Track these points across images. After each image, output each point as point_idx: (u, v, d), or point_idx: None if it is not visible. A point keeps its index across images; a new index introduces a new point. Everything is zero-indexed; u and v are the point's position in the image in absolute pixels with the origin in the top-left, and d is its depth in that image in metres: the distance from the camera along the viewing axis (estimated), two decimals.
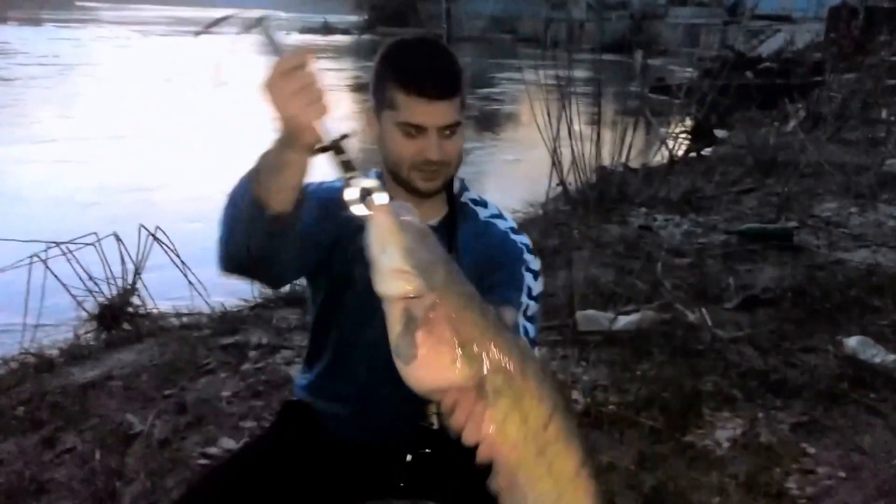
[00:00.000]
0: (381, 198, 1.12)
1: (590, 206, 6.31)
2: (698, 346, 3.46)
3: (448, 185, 1.71)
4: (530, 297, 1.73)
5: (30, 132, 11.58)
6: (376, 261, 1.09)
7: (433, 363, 1.08)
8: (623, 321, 3.66)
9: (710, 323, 3.61)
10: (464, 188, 1.78)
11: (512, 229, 1.79)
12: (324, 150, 1.18)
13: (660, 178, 6.92)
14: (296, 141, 1.19)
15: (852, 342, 3.40)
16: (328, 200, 1.57)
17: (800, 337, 3.59)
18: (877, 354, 3.29)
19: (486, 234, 1.75)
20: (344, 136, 1.18)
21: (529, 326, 1.71)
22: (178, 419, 3.01)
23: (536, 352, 1.75)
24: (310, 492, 1.74)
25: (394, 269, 1.08)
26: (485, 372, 1.07)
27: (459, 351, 1.07)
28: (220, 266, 1.45)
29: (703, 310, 3.71)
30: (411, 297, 1.08)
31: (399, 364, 1.10)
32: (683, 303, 3.87)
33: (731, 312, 3.91)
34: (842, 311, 3.87)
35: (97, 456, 2.75)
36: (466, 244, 1.70)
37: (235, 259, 1.43)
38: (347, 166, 1.17)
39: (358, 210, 1.13)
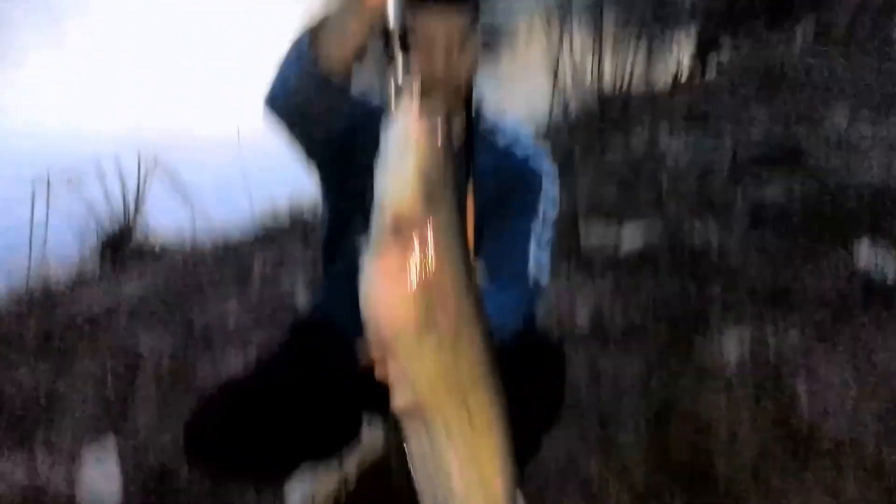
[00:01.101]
0: (414, 99, 1.10)
1: (592, 127, 6.23)
2: (705, 262, 3.44)
3: (467, 106, 1.69)
4: (545, 222, 1.74)
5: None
6: (387, 161, 1.07)
7: (398, 286, 1.08)
8: (628, 240, 3.64)
9: (716, 239, 3.59)
10: (481, 111, 1.77)
11: (530, 156, 1.77)
12: (382, 32, 1.20)
13: (664, 95, 6.81)
14: (362, 9, 1.23)
15: (862, 252, 3.38)
16: (372, 114, 1.56)
17: (808, 250, 3.56)
18: (885, 266, 3.26)
19: (504, 159, 1.75)
20: (404, 32, 1.20)
21: (542, 252, 1.72)
22: (187, 343, 3.04)
23: (548, 276, 1.74)
24: (321, 406, 1.75)
25: (401, 181, 1.05)
26: (431, 322, 1.09)
27: (422, 285, 1.07)
28: (266, 104, 1.47)
29: (709, 226, 3.69)
30: (407, 214, 1.06)
31: (366, 272, 1.11)
32: (689, 219, 3.84)
33: (738, 228, 3.88)
34: (850, 225, 3.83)
35: (109, 380, 2.78)
36: (485, 168, 1.69)
37: (282, 102, 1.45)
38: (393, 58, 1.19)
39: (390, 104, 1.14)
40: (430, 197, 1.06)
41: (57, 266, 3.96)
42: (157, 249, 4.10)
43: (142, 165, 4.29)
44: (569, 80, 6.31)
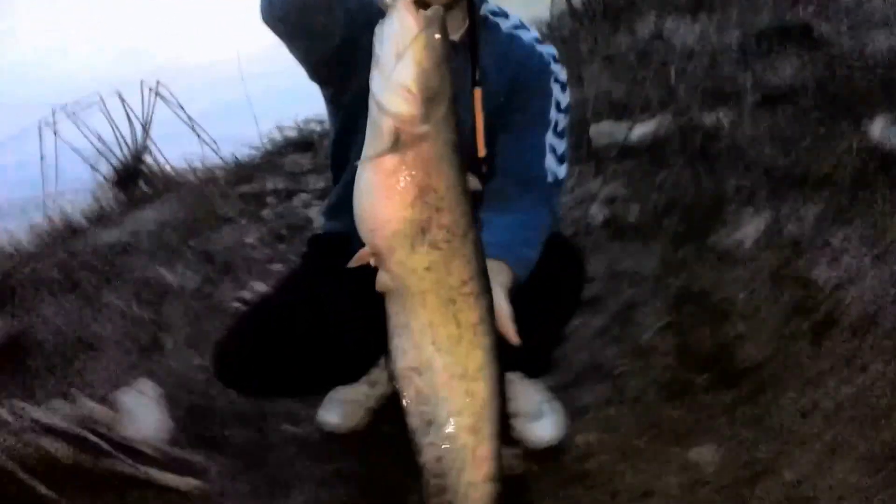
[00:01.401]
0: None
1: (596, 17, 6.08)
2: (717, 149, 3.40)
3: None
4: (559, 110, 1.71)
5: None
6: (385, 65, 1.05)
7: (393, 194, 1.08)
8: (639, 131, 3.60)
9: (727, 124, 3.54)
10: None
11: (537, 40, 1.74)
12: None
13: None
14: None
15: (877, 128, 3.31)
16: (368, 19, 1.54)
17: (822, 129, 3.50)
18: None
19: (511, 48, 1.71)
20: None
21: (558, 142, 1.70)
22: (208, 269, 3.08)
23: (566, 168, 1.73)
24: (344, 316, 1.77)
25: (400, 85, 1.04)
26: (424, 232, 1.09)
27: (418, 193, 1.07)
28: (264, 12, 1.44)
29: (720, 111, 3.63)
30: (405, 120, 1.05)
31: (362, 178, 1.11)
32: (700, 106, 3.78)
33: (749, 111, 3.82)
34: (865, 100, 3.74)
35: (136, 310, 2.83)
36: (491, 60, 1.65)
37: (282, 6, 1.41)
38: None
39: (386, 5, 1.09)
40: (430, 100, 1.04)
41: (72, 200, 3.98)
42: (168, 179, 4.10)
43: (145, 95, 4.25)
44: None
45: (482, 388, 1.21)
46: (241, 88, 4.41)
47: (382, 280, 1.16)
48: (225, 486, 2.02)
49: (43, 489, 2.00)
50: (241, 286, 2.90)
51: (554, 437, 1.99)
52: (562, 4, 6.30)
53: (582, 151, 3.52)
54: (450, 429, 1.21)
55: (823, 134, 3.41)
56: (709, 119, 3.63)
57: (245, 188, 3.73)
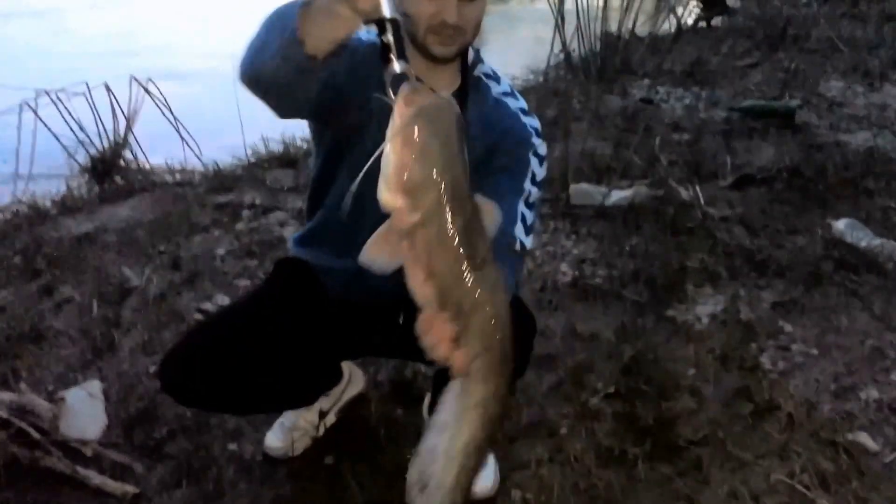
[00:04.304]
0: (410, 90, 1.08)
1: (592, 75, 6.20)
2: (688, 224, 3.49)
3: (463, 54, 1.70)
4: (534, 183, 1.74)
5: None
6: (385, 153, 1.07)
7: (408, 273, 1.11)
8: (616, 196, 3.68)
9: (702, 200, 3.63)
10: (478, 60, 1.76)
11: (523, 110, 1.77)
12: (376, 22, 1.15)
13: (666, 47, 6.77)
14: (343, 16, 1.18)
15: (841, 224, 3.41)
16: (360, 53, 1.58)
17: (790, 217, 3.62)
18: (864, 238, 3.30)
19: (496, 112, 1.74)
20: (396, 20, 1.16)
21: (528, 213, 1.72)
22: (173, 275, 3.08)
23: (531, 240, 1.77)
24: (300, 343, 1.80)
25: (383, 178, 1.07)
26: (446, 300, 1.11)
27: (428, 275, 1.10)
28: (240, 72, 1.44)
29: (697, 187, 3.72)
30: (392, 210, 1.08)
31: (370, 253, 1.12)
32: (678, 179, 3.88)
33: (724, 191, 3.92)
34: (835, 194, 3.88)
35: (94, 307, 2.83)
36: (477, 121, 1.68)
37: (256, 75, 1.41)
38: (389, 48, 1.15)
39: (389, 93, 1.12)
40: (414, 193, 1.06)
41: (45, 186, 3.98)
42: (145, 178, 4.10)
43: (133, 90, 4.26)
44: (571, 24, 6.24)
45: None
46: (231, 95, 4.43)
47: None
48: (161, 497, 2.02)
49: None
50: (205, 297, 2.91)
51: (490, 489, 2.01)
52: (559, 57, 6.42)
53: (559, 207, 3.59)
54: None
55: (790, 223, 3.52)
56: (685, 193, 3.72)
57: (222, 198, 3.74)
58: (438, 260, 1.10)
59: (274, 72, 1.35)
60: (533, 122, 1.76)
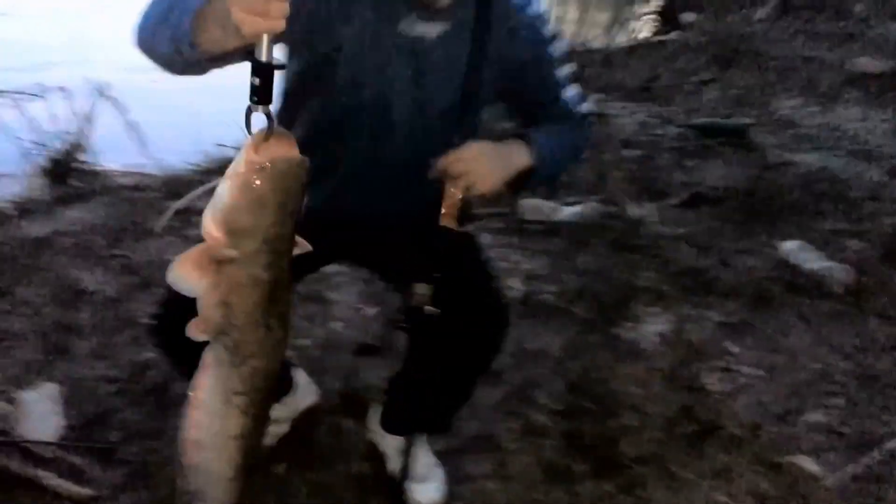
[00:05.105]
0: (265, 136, 1.08)
1: None
2: (638, 242, 3.54)
3: None
4: (561, 66, 1.81)
5: None
6: (220, 186, 1.09)
7: (205, 290, 1.13)
8: (566, 212, 3.72)
9: (651, 219, 3.69)
10: None
11: (539, 14, 1.78)
12: (252, 62, 1.11)
13: (620, 61, 6.85)
14: (236, 34, 1.11)
15: (788, 246, 3.48)
16: None
17: (739, 238, 3.68)
18: (811, 260, 3.37)
19: (516, 27, 1.72)
20: (274, 66, 1.11)
21: (571, 92, 1.83)
22: (128, 280, 3.07)
23: (587, 106, 1.89)
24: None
25: (213, 207, 1.09)
26: (224, 333, 1.16)
27: (218, 302, 1.13)
28: (135, 39, 1.40)
29: (646, 205, 3.78)
30: (210, 237, 1.10)
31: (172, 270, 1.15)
32: (629, 196, 3.93)
33: (674, 209, 3.98)
34: (784, 215, 3.95)
35: (49, 310, 2.83)
36: (495, 39, 1.68)
37: (149, 50, 1.39)
38: (257, 93, 1.11)
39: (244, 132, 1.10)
40: (234, 235, 1.09)
41: (2, 186, 3.91)
42: (101, 181, 4.05)
43: (90, 93, 4.21)
44: None
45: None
46: (188, 99, 4.41)
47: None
48: (115, 501, 2.03)
49: None
50: (157, 302, 2.89)
51: (436, 502, 2.05)
52: None
53: (510, 223, 3.62)
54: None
55: (739, 243, 3.58)
56: (634, 211, 3.77)
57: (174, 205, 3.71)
58: (237, 299, 1.13)
59: (168, 57, 1.33)
60: (537, 9, 1.77)
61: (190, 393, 1.23)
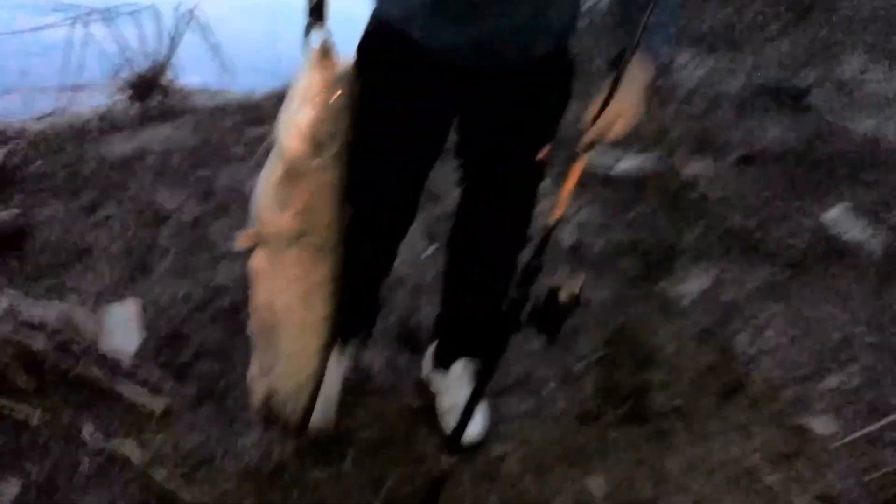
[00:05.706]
0: (322, 51, 1.28)
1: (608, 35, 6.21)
2: (688, 200, 3.64)
3: None
4: None
5: None
6: (290, 106, 1.31)
7: (282, 207, 1.39)
8: (625, 165, 3.81)
9: (705, 176, 3.78)
10: None
11: None
12: None
13: (694, 4, 6.71)
14: None
15: (832, 213, 3.53)
16: None
17: (785, 202, 3.74)
18: (851, 229, 3.43)
19: None
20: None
21: None
22: (207, 203, 3.25)
23: None
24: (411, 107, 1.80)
25: (296, 127, 1.31)
26: (306, 234, 1.41)
27: (302, 209, 1.39)
28: None
29: (701, 163, 3.87)
30: (296, 156, 1.34)
31: (260, 183, 1.41)
32: (685, 153, 4.01)
33: (727, 168, 4.05)
34: (833, 181, 3.98)
35: (133, 228, 3.03)
36: None
37: None
38: (313, 11, 1.29)
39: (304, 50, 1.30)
40: (321, 144, 1.32)
41: (87, 103, 4.10)
42: (184, 102, 4.21)
43: (178, 14, 4.34)
44: None
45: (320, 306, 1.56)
46: (270, 28, 4.50)
47: (257, 258, 1.47)
48: (187, 414, 2.26)
49: (22, 381, 2.22)
50: (236, 227, 3.07)
51: (477, 437, 2.23)
52: (586, 20, 6.41)
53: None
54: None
55: (784, 208, 3.65)
56: (690, 168, 3.87)
57: (255, 130, 3.84)
58: (321, 201, 1.39)
59: None
60: None
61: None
